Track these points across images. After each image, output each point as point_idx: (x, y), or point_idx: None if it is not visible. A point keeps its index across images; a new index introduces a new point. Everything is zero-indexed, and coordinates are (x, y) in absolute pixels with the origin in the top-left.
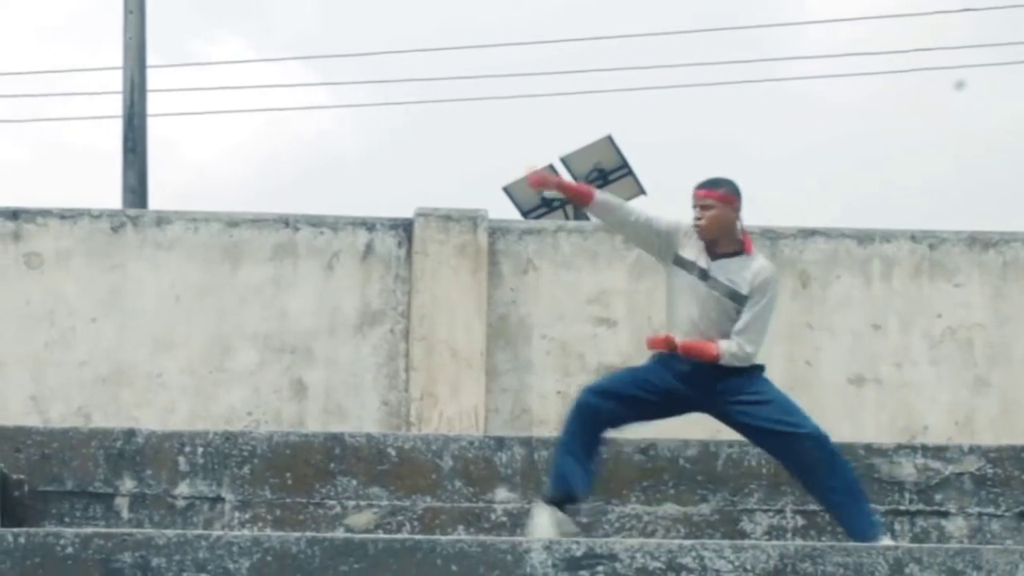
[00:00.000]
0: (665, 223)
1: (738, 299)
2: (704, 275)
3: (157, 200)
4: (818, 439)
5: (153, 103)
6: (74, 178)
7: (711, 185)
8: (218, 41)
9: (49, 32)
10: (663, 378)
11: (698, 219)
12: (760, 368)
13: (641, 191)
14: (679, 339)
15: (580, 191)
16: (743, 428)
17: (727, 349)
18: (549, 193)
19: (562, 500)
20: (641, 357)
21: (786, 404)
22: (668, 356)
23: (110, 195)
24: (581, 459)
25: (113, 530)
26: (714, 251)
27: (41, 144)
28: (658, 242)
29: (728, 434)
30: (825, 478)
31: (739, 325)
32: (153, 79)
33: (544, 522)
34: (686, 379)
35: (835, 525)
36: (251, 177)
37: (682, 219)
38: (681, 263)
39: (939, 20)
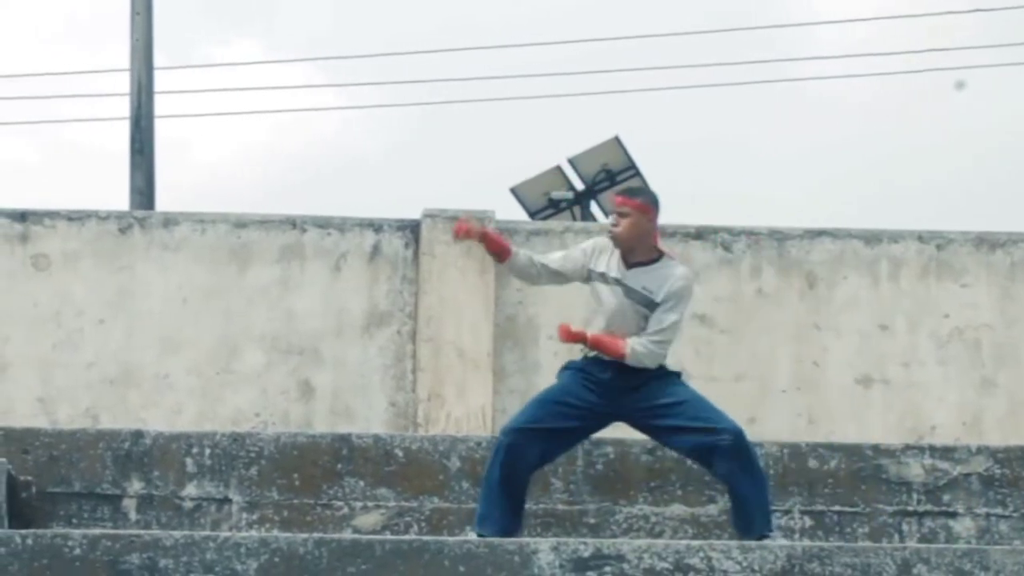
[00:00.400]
0: (579, 251)
1: (652, 306)
2: (618, 284)
3: (166, 202)
4: (734, 433)
5: (161, 105)
6: (82, 180)
7: (629, 193)
8: (227, 43)
9: (56, 34)
10: (579, 395)
11: (614, 225)
12: (677, 374)
13: None
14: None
15: (501, 247)
16: (661, 431)
17: (633, 346)
18: (557, 194)
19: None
20: None
21: (702, 403)
22: (581, 367)
23: (118, 197)
24: (501, 504)
25: (121, 531)
26: (629, 260)
27: (49, 146)
28: (582, 272)
29: None
30: (739, 471)
31: (649, 327)
32: (161, 81)
33: None
34: (602, 388)
35: (843, 526)
36: (259, 179)
37: (596, 238)
38: (597, 277)
39: (947, 20)
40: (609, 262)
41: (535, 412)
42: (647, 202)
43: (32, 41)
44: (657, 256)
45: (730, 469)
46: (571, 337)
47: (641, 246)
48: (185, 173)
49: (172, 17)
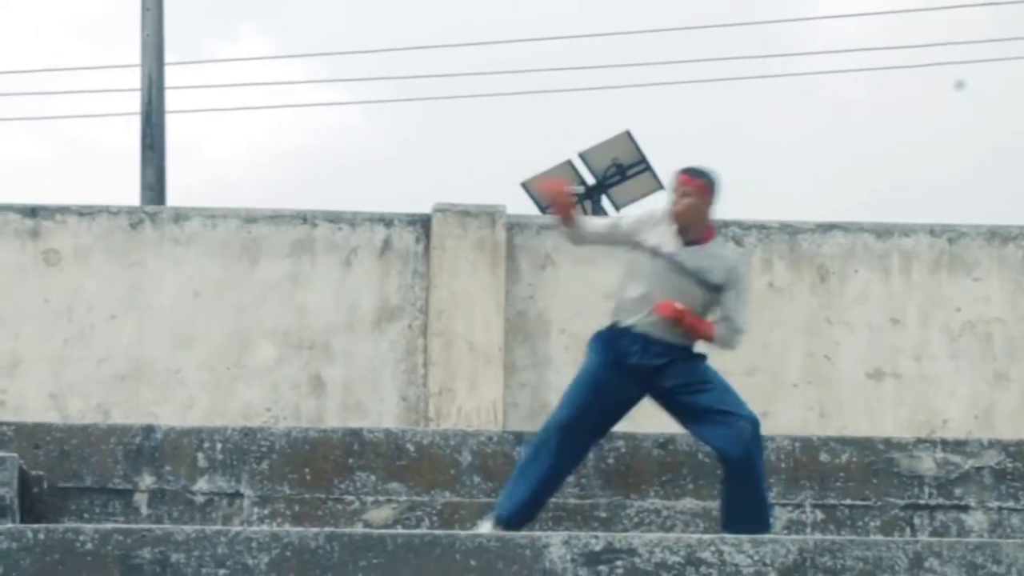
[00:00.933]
0: (632, 220)
1: (706, 286)
2: (673, 261)
3: (177, 198)
4: (754, 424)
5: (172, 101)
6: (93, 176)
7: (692, 173)
8: (237, 39)
9: (68, 31)
10: (613, 375)
11: (675, 204)
12: (704, 356)
13: (660, 186)
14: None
15: (569, 214)
16: (685, 411)
17: (723, 333)
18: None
19: (498, 521)
20: None
21: (727, 389)
22: (613, 339)
23: (129, 192)
24: (536, 498)
25: (132, 526)
26: (684, 238)
27: (60, 142)
28: (629, 240)
29: None
30: (753, 463)
31: (728, 312)
32: (172, 77)
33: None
34: (634, 368)
35: (855, 519)
36: (270, 174)
37: (652, 208)
38: (648, 249)
39: (957, 14)
40: (663, 235)
41: (576, 405)
42: (708, 183)
43: (44, 38)
44: (708, 236)
45: (743, 456)
46: (673, 314)
47: (696, 226)
48: (195, 169)
49: (182, 14)
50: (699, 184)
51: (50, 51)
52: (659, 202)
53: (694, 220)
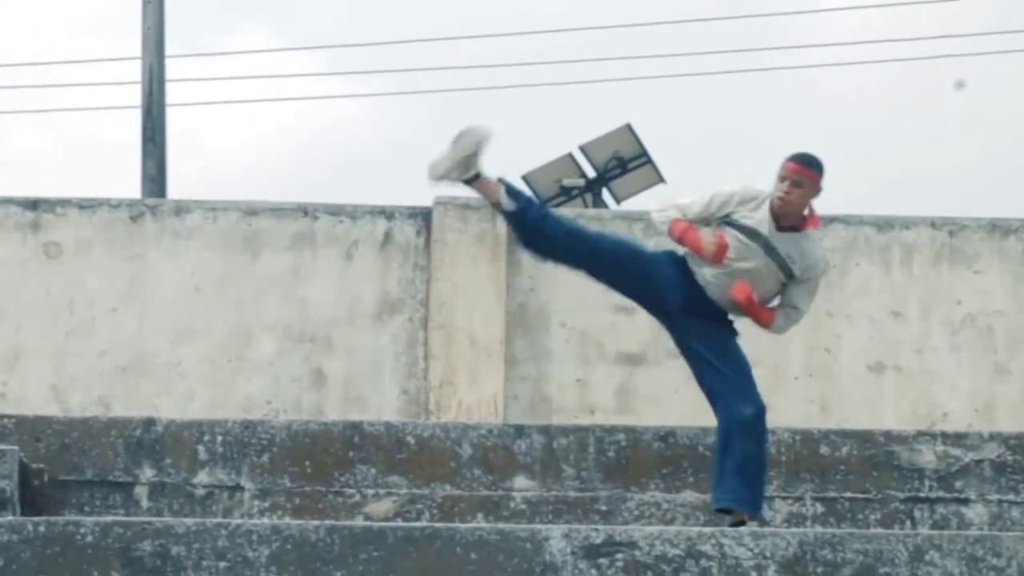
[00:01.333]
0: (724, 195)
1: (787, 272)
2: (767, 245)
3: (178, 190)
4: (760, 407)
5: (174, 94)
6: (95, 169)
7: (807, 163)
8: (239, 32)
9: (70, 23)
10: (663, 268)
11: (787, 193)
12: (736, 332)
13: (660, 179)
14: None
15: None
16: (699, 360)
17: (781, 321)
18: (569, 181)
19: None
20: (659, 344)
21: (744, 367)
22: (680, 262)
23: (130, 185)
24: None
25: (133, 519)
26: (779, 223)
27: (61, 134)
28: (715, 215)
29: None
30: (749, 446)
31: (795, 302)
32: (174, 70)
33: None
34: (681, 280)
35: (855, 512)
36: (272, 167)
37: (747, 185)
38: (735, 226)
39: (958, 6)
40: (756, 215)
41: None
42: (820, 174)
43: (46, 31)
44: (806, 224)
45: (739, 437)
46: (746, 300)
47: (797, 214)
48: (197, 161)
49: (184, 7)
50: (812, 175)
51: (51, 44)
52: (757, 183)
53: (800, 208)
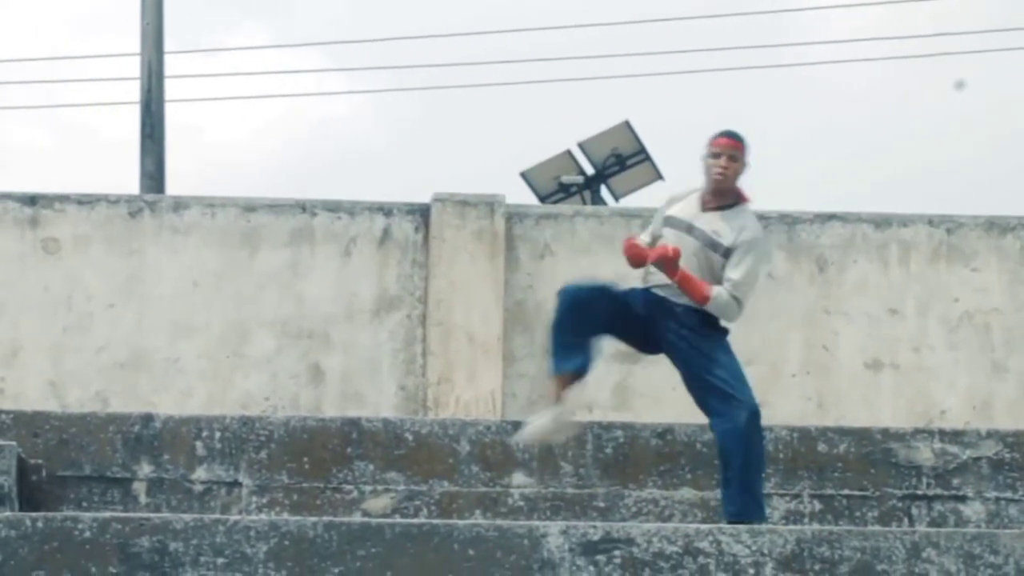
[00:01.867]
0: (659, 211)
1: (718, 249)
2: (690, 228)
3: (177, 187)
4: (753, 409)
5: (174, 90)
6: (93, 165)
7: (736, 136)
8: (238, 28)
9: (69, 19)
10: (637, 300)
11: (726, 168)
12: (725, 331)
13: (659, 176)
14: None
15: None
16: (689, 380)
17: (718, 293)
18: (567, 178)
19: (563, 379)
20: None
21: (735, 370)
22: (644, 290)
23: (129, 181)
24: (574, 342)
25: (131, 515)
26: (708, 203)
27: (60, 130)
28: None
29: None
30: (746, 449)
31: (733, 276)
32: (174, 66)
33: (542, 420)
34: (653, 303)
35: (852, 510)
36: (268, 164)
37: (674, 191)
38: (668, 222)
39: (958, 3)
40: (682, 206)
41: (598, 281)
42: (747, 145)
43: (45, 27)
44: (735, 201)
45: (737, 442)
46: (662, 254)
47: (731, 189)
48: (196, 157)
49: (184, 2)
50: (743, 148)
51: (52, 41)
52: (675, 187)
53: (735, 182)
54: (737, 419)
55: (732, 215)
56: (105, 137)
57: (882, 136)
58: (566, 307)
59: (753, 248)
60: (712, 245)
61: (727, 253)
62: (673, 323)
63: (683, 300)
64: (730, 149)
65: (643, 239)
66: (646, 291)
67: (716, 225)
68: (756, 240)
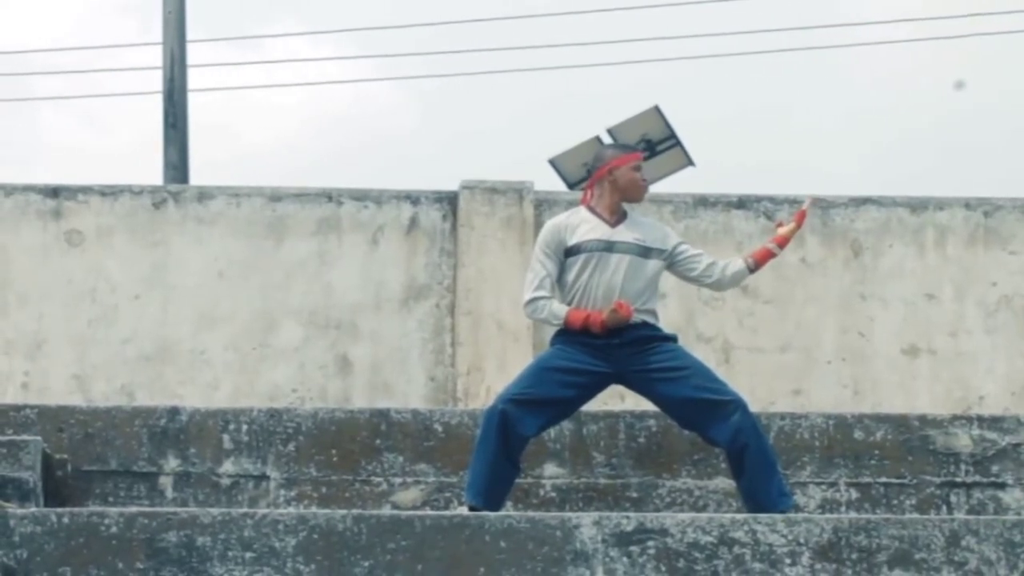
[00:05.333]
0: (552, 247)
1: (652, 255)
2: (609, 246)
3: (203, 177)
4: (741, 405)
5: (197, 79)
6: (116, 155)
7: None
8: (268, 18)
9: (94, 9)
10: (578, 358)
11: (644, 180)
12: (675, 337)
13: (690, 162)
14: (605, 312)
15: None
16: (665, 399)
17: (727, 271)
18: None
19: (473, 509)
20: (690, 328)
21: (706, 372)
22: (577, 332)
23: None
24: (494, 473)
25: (158, 509)
26: (612, 217)
27: (83, 120)
28: (561, 264)
29: (780, 407)
30: (748, 444)
31: (707, 259)
32: (198, 55)
33: None
34: (601, 347)
35: (890, 498)
36: (294, 153)
37: (549, 224)
38: (579, 249)
39: None
40: (584, 231)
41: (532, 381)
42: None
43: (68, 16)
44: (625, 210)
45: (738, 442)
46: (626, 312)
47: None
48: (223, 147)
49: None
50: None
51: (75, 30)
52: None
53: None
54: (729, 418)
55: (635, 223)
56: (129, 127)
57: (918, 120)
58: (501, 430)
59: (675, 237)
60: (644, 252)
61: (668, 256)
62: (623, 349)
63: (647, 329)
64: (641, 160)
65: (539, 293)
66: (583, 339)
67: (635, 235)
68: (667, 230)
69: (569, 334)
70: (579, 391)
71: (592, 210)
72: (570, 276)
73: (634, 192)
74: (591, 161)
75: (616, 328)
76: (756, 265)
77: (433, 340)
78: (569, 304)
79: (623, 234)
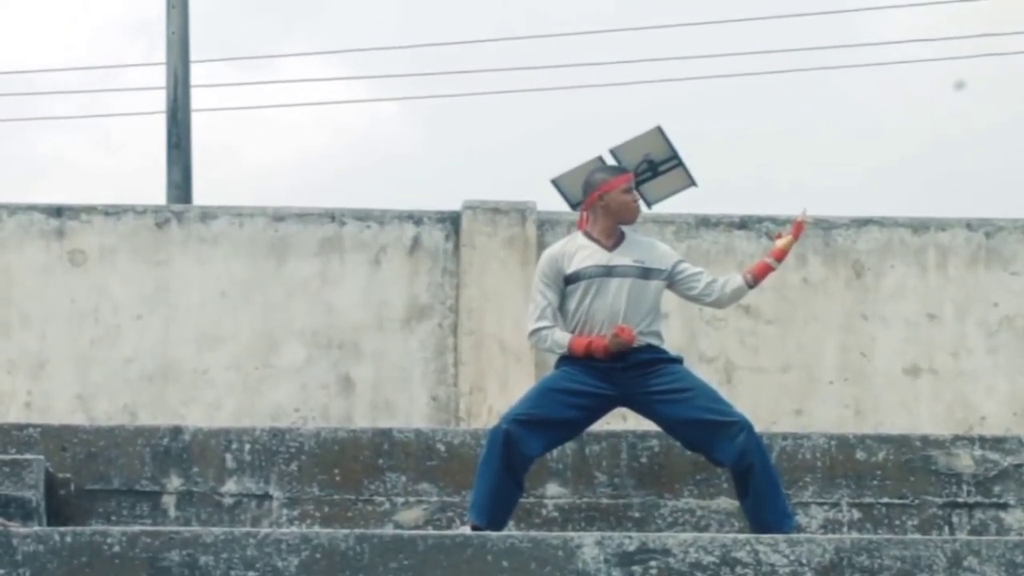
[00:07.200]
0: (551, 276)
1: (653, 275)
2: (608, 271)
3: (205, 197)
4: (746, 426)
5: (201, 99)
6: (119, 175)
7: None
8: (273, 38)
9: (100, 29)
10: (582, 379)
11: (636, 200)
12: (680, 360)
13: (692, 183)
14: (608, 337)
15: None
16: (670, 421)
17: (718, 292)
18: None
19: (476, 529)
20: (692, 348)
21: (711, 393)
22: (583, 358)
23: (155, 192)
24: (498, 494)
25: (160, 528)
26: (611, 242)
27: (88, 141)
28: (562, 288)
29: (782, 427)
30: (753, 465)
31: (707, 277)
32: (202, 75)
33: None
34: (606, 370)
35: (892, 518)
36: (298, 173)
37: (547, 254)
38: (573, 278)
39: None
40: (582, 257)
41: (537, 401)
42: None
43: (71, 36)
44: (621, 232)
45: (744, 463)
46: (627, 336)
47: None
48: (227, 167)
49: (214, 11)
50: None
51: (85, 50)
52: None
53: None
54: (735, 439)
55: (633, 244)
56: (132, 147)
57: (920, 141)
58: (505, 450)
59: (674, 254)
60: (645, 273)
61: (668, 275)
62: (628, 372)
63: (651, 352)
64: (632, 182)
65: (542, 323)
66: (587, 363)
67: (633, 257)
68: (666, 248)
69: (575, 358)
70: (584, 413)
71: (589, 235)
72: (572, 304)
73: (627, 214)
74: (582, 187)
75: (620, 352)
76: (755, 280)
77: (435, 360)
78: (573, 331)
79: (621, 257)
